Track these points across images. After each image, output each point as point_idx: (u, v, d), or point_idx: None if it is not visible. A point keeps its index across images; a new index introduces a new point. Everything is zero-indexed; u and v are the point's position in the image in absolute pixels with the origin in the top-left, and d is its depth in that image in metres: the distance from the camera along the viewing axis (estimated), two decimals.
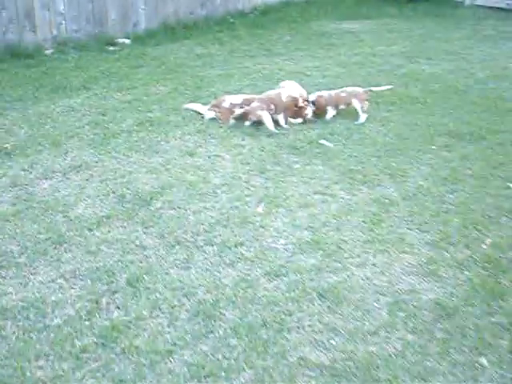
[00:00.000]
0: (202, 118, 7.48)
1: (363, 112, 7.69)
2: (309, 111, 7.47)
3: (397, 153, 6.69)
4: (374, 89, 7.95)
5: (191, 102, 7.99)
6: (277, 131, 7.08)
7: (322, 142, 6.97)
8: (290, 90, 7.55)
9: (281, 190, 5.73)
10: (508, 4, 15.95)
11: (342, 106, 7.80)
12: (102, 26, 11.21)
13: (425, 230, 5.10)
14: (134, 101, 8.16)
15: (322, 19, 14.07)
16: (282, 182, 5.91)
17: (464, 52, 11.68)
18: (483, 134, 7.24)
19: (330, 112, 7.68)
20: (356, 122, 7.59)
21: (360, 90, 7.83)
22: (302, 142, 6.91)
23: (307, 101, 7.47)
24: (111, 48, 10.89)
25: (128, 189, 5.45)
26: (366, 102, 7.71)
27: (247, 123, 7.26)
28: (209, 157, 6.40)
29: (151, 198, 5.49)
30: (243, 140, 6.94)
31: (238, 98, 7.50)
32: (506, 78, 9.96)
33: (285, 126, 7.31)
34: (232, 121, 7.34)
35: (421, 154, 6.71)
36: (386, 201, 5.58)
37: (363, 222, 5.22)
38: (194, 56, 10.78)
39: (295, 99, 7.37)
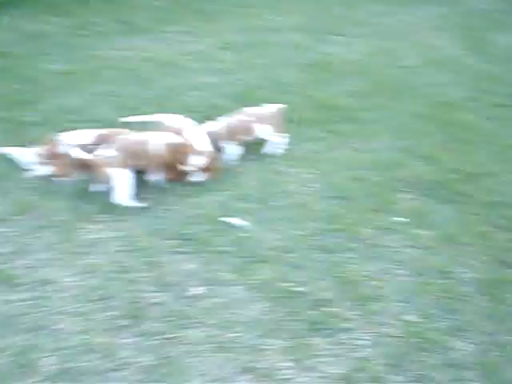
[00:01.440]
0: (28, 172, 4.38)
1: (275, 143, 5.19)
2: (198, 176, 4.65)
3: (348, 234, 4.13)
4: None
5: (8, 143, 4.81)
6: (136, 203, 4.38)
7: (230, 220, 4.18)
8: (167, 134, 4.65)
9: None
10: None
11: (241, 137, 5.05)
12: None
13: None
14: None
15: None
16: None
17: (378, 21, 9.21)
18: (453, 185, 4.78)
19: (232, 149, 4.89)
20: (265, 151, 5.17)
21: (267, 110, 5.05)
22: (198, 223, 4.09)
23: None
24: None
25: None
26: (277, 127, 5.23)
27: (92, 188, 4.30)
28: (33, 287, 3.42)
29: None
30: (99, 226, 3.98)
31: (85, 136, 4.48)
32: (442, 65, 7.56)
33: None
34: (75, 175, 4.34)
35: (384, 234, 4.13)
36: None
37: None
38: (20, 37, 7.42)
39: (181, 150, 4.51)
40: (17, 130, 5.22)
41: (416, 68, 7.53)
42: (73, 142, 4.53)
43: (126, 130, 4.74)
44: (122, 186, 4.34)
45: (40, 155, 4.61)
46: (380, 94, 6.60)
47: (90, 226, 4.12)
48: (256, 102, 5.83)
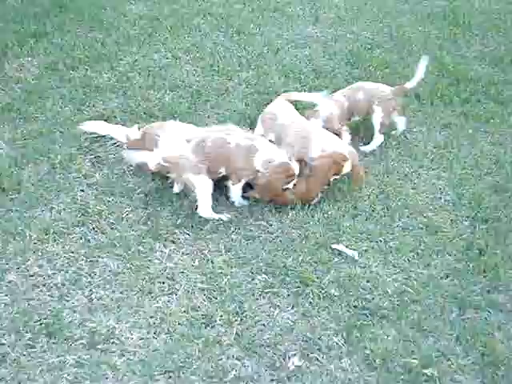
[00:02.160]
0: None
1: (380, 132, 3.98)
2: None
3: (493, 280, 3.29)
4: (409, 85, 3.99)
5: (83, 115, 4.06)
6: (224, 217, 3.48)
7: (338, 247, 3.23)
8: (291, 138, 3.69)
9: None
10: None
11: (357, 117, 3.98)
12: None
13: None
14: None
15: None
16: None
17: None
18: None
19: (345, 136, 3.85)
20: (363, 148, 4.07)
21: (386, 88, 3.95)
22: (297, 250, 3.21)
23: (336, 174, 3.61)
24: None
25: None
26: (395, 112, 4.09)
27: (175, 189, 3.46)
28: (86, 344, 2.70)
29: None
30: (174, 248, 3.20)
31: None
32: None
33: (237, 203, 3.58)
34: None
35: None
36: None
37: None
38: None
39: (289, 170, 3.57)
40: (91, 96, 4.41)
41: None
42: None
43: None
44: (203, 196, 3.41)
45: (128, 141, 3.76)
46: None
47: (162, 248, 3.25)
48: (370, 66, 4.75)
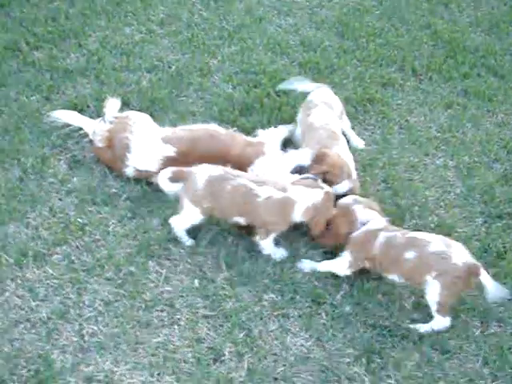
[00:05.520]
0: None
1: None
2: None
3: None
4: None
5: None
6: (189, 242, 3.12)
7: None
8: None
9: None
10: None
11: None
12: None
13: None
14: None
15: None
16: None
17: None
18: None
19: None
20: None
21: None
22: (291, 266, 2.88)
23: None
24: None
25: None
26: None
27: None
28: None
29: None
30: (170, 264, 2.89)
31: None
32: None
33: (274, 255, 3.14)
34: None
35: None
36: None
37: None
38: None
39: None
40: (60, 81, 4.05)
41: None
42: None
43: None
44: (184, 222, 3.08)
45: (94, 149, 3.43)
46: None
47: (157, 268, 2.97)
48: (362, 37, 4.39)
